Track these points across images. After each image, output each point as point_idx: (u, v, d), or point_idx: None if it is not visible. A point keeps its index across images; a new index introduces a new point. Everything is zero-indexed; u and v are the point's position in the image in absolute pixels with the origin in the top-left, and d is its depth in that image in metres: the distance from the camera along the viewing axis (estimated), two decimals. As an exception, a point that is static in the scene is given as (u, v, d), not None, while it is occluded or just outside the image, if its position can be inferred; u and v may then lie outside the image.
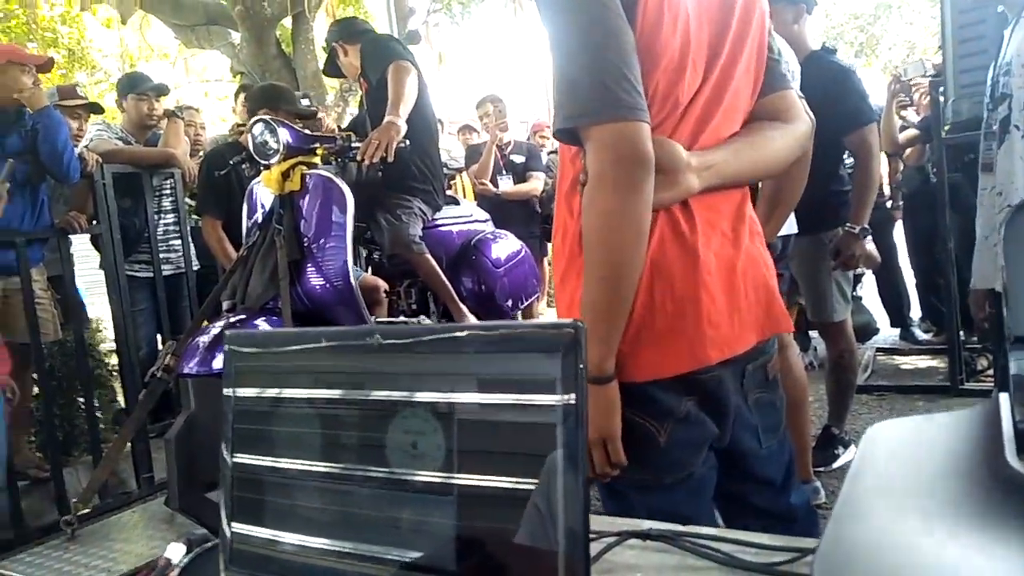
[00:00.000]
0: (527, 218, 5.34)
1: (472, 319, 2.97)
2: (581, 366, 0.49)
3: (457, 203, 3.42)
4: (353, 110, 6.77)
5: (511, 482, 0.52)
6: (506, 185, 5.29)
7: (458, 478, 0.54)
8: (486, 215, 3.60)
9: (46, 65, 3.35)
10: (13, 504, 3.08)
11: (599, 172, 1.00)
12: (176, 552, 0.77)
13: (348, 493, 0.60)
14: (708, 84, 1.12)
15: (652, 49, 1.04)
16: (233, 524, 0.68)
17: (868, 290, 5.51)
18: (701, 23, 1.10)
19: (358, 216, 2.82)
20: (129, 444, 3.22)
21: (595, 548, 0.69)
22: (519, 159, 5.38)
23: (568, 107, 1.03)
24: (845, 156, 3.11)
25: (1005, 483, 0.37)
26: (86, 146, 3.62)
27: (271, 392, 0.67)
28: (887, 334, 5.22)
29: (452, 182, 6.19)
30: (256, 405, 0.69)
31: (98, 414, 3.63)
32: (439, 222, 3.18)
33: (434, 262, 2.99)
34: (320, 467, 0.63)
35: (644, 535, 0.69)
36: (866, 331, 4.71)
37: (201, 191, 3.47)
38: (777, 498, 1.29)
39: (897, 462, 0.45)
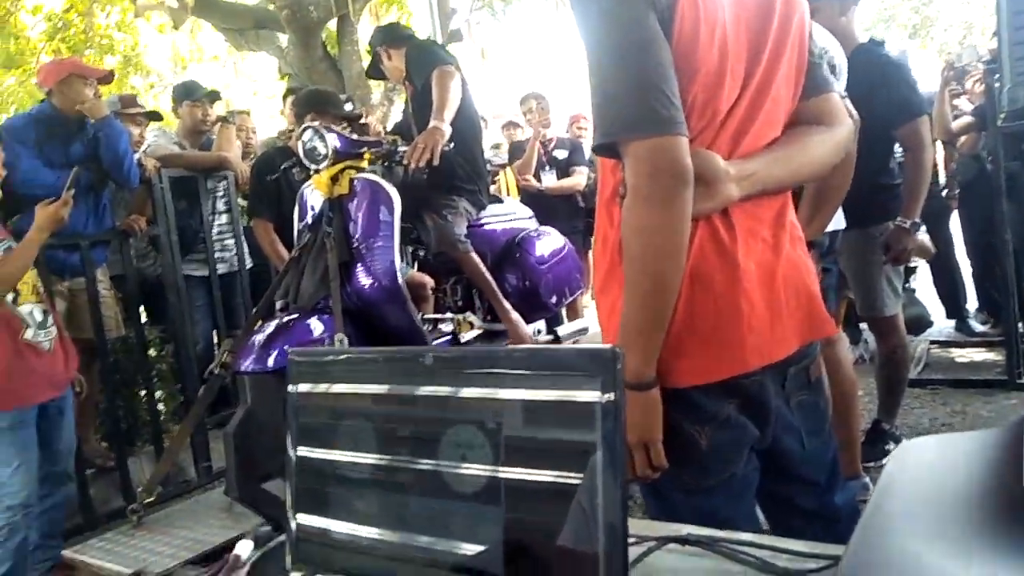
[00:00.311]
0: (570, 213, 5.35)
1: (516, 316, 3.01)
2: (617, 393, 0.52)
3: (501, 201, 3.46)
4: (398, 108, 6.86)
5: (554, 482, 0.56)
6: (549, 180, 5.32)
7: (504, 479, 0.58)
8: (530, 212, 3.63)
9: (107, 77, 3.49)
10: (82, 492, 3.24)
11: (637, 186, 1.02)
12: (245, 548, 0.83)
13: (403, 490, 0.65)
14: (747, 93, 1.13)
15: (690, 62, 1.06)
16: (298, 516, 0.73)
17: (923, 281, 5.39)
18: (739, 33, 1.11)
19: (405, 216, 2.88)
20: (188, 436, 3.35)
21: (635, 552, 0.73)
22: (562, 154, 5.40)
23: (606, 122, 1.06)
24: (896, 149, 3.06)
25: (1021, 510, 0.39)
26: (144, 151, 3.76)
27: (332, 402, 0.71)
28: (942, 326, 5.10)
29: (496, 178, 6.25)
30: (318, 410, 0.73)
31: (159, 406, 3.78)
32: (483, 221, 3.22)
33: (479, 260, 3.04)
34: (376, 463, 0.67)
35: (682, 540, 0.72)
36: (920, 323, 4.60)
37: (253, 195, 3.57)
38: (821, 498, 1.30)
39: (924, 482, 0.48)
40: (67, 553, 2.48)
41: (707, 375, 1.13)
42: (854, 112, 1.92)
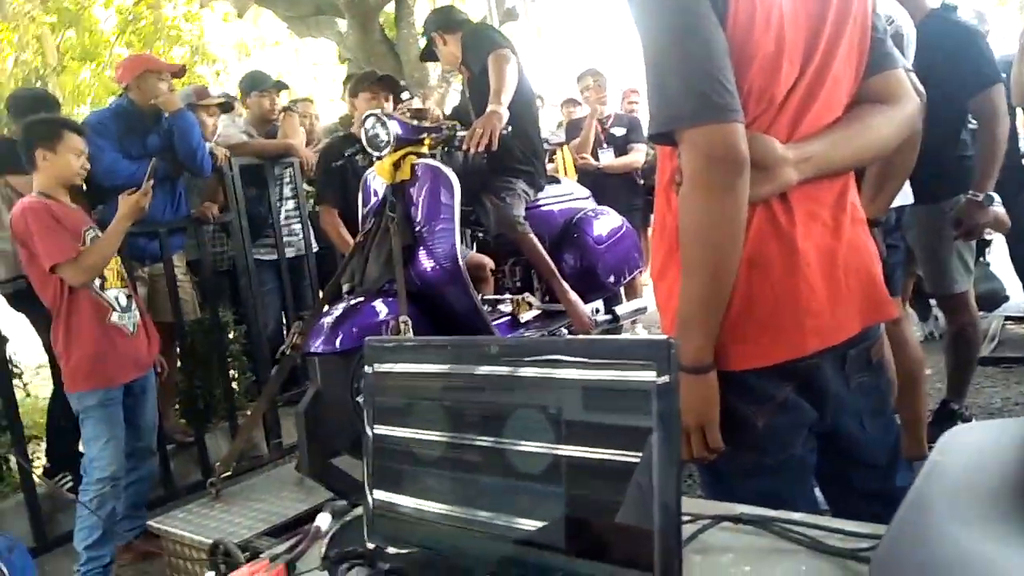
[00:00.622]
0: (628, 190, 5.32)
1: (574, 296, 3.04)
2: (672, 377, 0.56)
3: (558, 182, 3.48)
4: (456, 90, 6.90)
5: (612, 462, 0.60)
6: (607, 158, 5.29)
7: (566, 458, 0.63)
8: (587, 192, 3.64)
9: (179, 71, 3.63)
10: (163, 466, 3.43)
11: (694, 173, 1.04)
12: (324, 521, 0.89)
13: (471, 469, 0.70)
14: (806, 76, 1.12)
15: (745, 49, 1.06)
16: (375, 491, 0.78)
17: (998, 255, 5.18)
18: (797, 17, 1.11)
19: (464, 200, 2.93)
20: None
21: (689, 530, 0.76)
22: (620, 131, 5.36)
23: (662, 111, 1.07)
24: (970, 119, 2.96)
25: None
26: (215, 141, 3.90)
27: (406, 384, 0.77)
28: (1018, 301, 4.90)
29: (554, 157, 6.25)
30: (393, 391, 0.78)
31: (233, 385, 3.95)
32: (541, 202, 3.25)
33: (537, 241, 3.07)
34: (446, 443, 0.72)
35: (736, 519, 0.75)
36: (994, 299, 4.44)
37: (319, 182, 3.68)
38: (883, 480, 1.31)
39: (968, 467, 0.50)
40: (152, 523, 2.64)
41: (765, 359, 1.14)
42: (920, 87, 1.87)
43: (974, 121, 2.91)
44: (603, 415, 0.60)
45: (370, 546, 0.78)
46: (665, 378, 0.57)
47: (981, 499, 0.45)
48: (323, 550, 0.83)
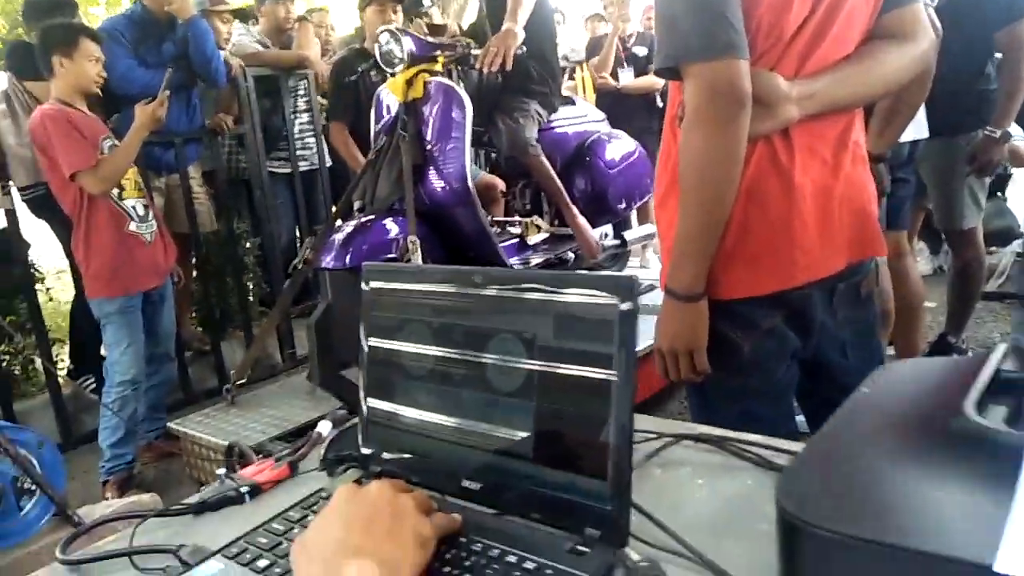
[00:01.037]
0: (647, 112, 5.24)
1: (582, 221, 3.07)
2: (633, 306, 0.61)
3: (573, 103, 3.44)
4: (474, 5, 6.72)
5: (577, 380, 0.66)
6: (627, 78, 5.20)
7: (538, 376, 0.69)
8: (601, 115, 3.61)
9: (195, -23, 3.57)
10: (182, 372, 3.57)
11: (696, 107, 1.07)
12: (325, 428, 0.97)
13: (455, 382, 0.76)
14: (817, 13, 1.13)
15: None
16: (368, 400, 0.86)
17: (1019, 191, 5.12)
18: None
19: (478, 119, 2.93)
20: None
21: (655, 446, 0.83)
22: (641, 51, 5.24)
23: (668, 46, 1.10)
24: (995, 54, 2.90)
25: (957, 431, 0.46)
26: (230, 50, 3.87)
27: (399, 302, 0.83)
28: (1032, 238, 4.88)
29: (573, 75, 6.14)
30: (387, 307, 0.84)
31: (248, 296, 4.06)
32: (554, 124, 3.24)
33: (548, 165, 3.07)
34: (434, 357, 0.78)
35: (695, 437, 0.81)
36: (1008, 235, 4.43)
37: (331, 98, 3.66)
38: None
39: (884, 401, 0.55)
40: (171, 425, 2.79)
41: (756, 289, 1.19)
42: (937, 23, 1.84)
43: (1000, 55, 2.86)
44: (571, 338, 0.65)
45: (364, 451, 0.85)
46: (628, 304, 0.62)
47: (891, 428, 0.51)
48: (322, 453, 0.91)
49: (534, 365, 0.68)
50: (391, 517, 0.59)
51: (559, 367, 0.67)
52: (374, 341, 0.84)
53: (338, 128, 3.57)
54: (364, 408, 0.85)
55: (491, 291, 0.72)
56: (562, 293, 0.66)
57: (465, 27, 3.93)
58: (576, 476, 0.65)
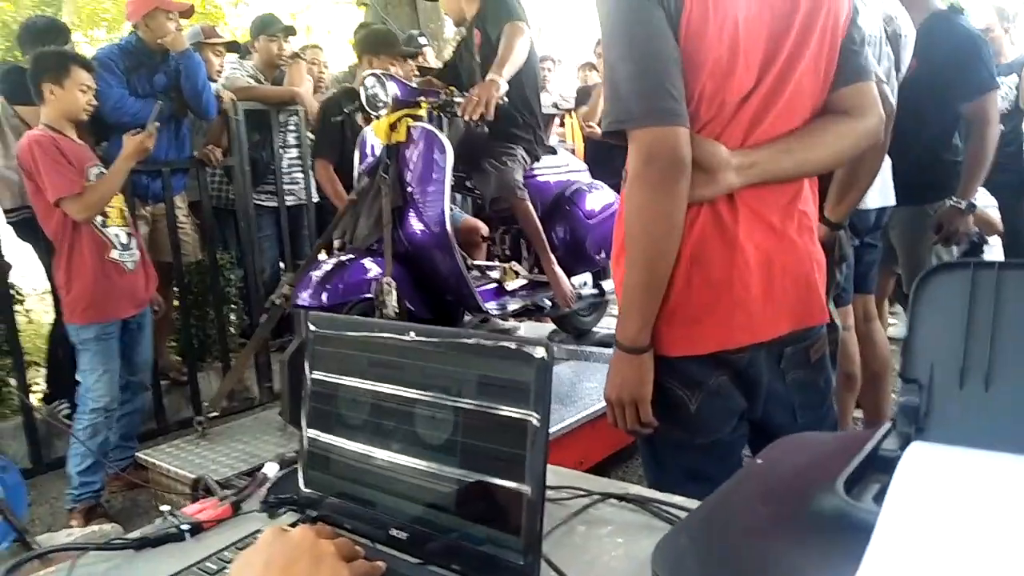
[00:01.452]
0: (633, 162, 5.35)
1: (559, 270, 3.12)
2: (545, 380, 0.65)
3: (555, 152, 3.52)
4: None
5: (496, 433, 0.70)
6: (614, 128, 5.30)
7: (461, 437, 0.73)
8: (582, 165, 3.69)
9: (188, 11, 3.66)
10: (156, 400, 3.57)
11: (636, 170, 1.13)
12: (271, 469, 1.00)
13: (389, 426, 0.80)
14: (764, 83, 1.18)
15: (697, 55, 1.13)
16: (309, 430, 0.89)
17: (994, 256, 5.22)
18: (755, 28, 1.16)
19: (463, 165, 3.00)
20: (252, 357, 3.63)
21: (582, 502, 0.86)
22: (629, 102, 5.36)
23: (613, 111, 1.15)
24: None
25: (822, 506, 0.50)
26: (222, 84, 3.95)
27: (341, 347, 0.87)
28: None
29: (564, 121, 6.27)
30: (330, 353, 0.88)
31: (228, 327, 4.07)
32: (536, 172, 3.30)
33: (532, 209, 3.13)
34: (371, 402, 0.82)
35: (620, 497, 0.85)
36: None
37: (318, 135, 3.74)
38: None
39: (772, 473, 0.59)
40: (140, 455, 2.78)
41: (697, 347, 1.23)
42: (892, 99, 1.92)
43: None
44: (490, 395, 0.69)
45: (303, 493, 0.88)
46: (540, 373, 0.66)
47: (769, 500, 0.54)
48: (264, 494, 0.94)
49: (457, 419, 0.72)
50: (310, 561, 0.62)
51: (478, 422, 0.71)
52: (317, 375, 0.88)
53: (323, 165, 3.64)
54: (304, 441, 0.88)
55: (422, 344, 0.76)
56: (485, 352, 0.70)
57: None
58: (492, 530, 0.69)
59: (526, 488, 0.66)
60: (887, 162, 2.54)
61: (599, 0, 1.18)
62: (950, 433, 0.59)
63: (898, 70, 2.52)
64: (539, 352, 0.67)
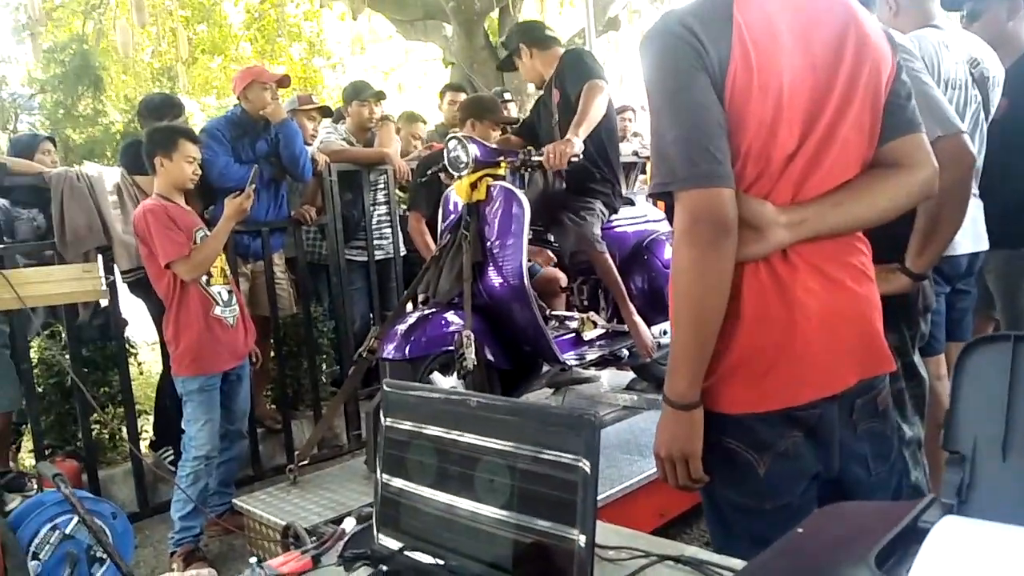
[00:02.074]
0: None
1: (639, 319, 3.13)
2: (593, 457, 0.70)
3: (633, 204, 3.56)
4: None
5: (548, 495, 0.74)
6: (695, 176, 5.30)
7: (518, 497, 0.78)
8: (661, 215, 3.70)
9: (284, 81, 3.94)
10: (252, 448, 3.75)
11: (683, 230, 1.17)
12: (349, 524, 1.07)
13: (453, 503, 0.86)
14: (810, 142, 1.21)
15: (742, 116, 1.18)
16: (384, 475, 0.96)
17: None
18: (798, 88, 1.20)
19: (543, 220, 3.08)
20: (342, 406, 3.78)
21: (640, 563, 0.89)
22: (710, 149, 5.35)
23: (660, 173, 1.21)
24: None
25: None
26: (317, 147, 4.21)
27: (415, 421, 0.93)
28: None
29: (645, 169, 6.29)
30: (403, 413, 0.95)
31: (320, 377, 4.25)
32: (615, 223, 3.35)
33: (611, 261, 3.16)
34: (438, 465, 0.88)
35: (676, 559, 0.87)
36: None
37: (412, 190, 3.93)
38: None
39: (811, 542, 0.61)
40: (236, 501, 2.93)
41: (762, 404, 1.24)
42: (972, 148, 1.88)
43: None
44: (542, 464, 0.74)
45: (378, 546, 0.94)
46: (587, 464, 0.71)
47: (804, 571, 0.56)
48: (341, 548, 1.01)
49: (513, 482, 0.77)
50: None
51: (531, 486, 0.75)
52: (391, 421, 0.95)
53: (416, 217, 3.83)
54: (379, 487, 0.95)
55: (483, 413, 0.82)
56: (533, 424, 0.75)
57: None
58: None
59: (576, 548, 0.70)
60: (978, 205, 2.47)
61: (645, 67, 1.23)
62: (992, 506, 0.60)
63: (987, 112, 2.46)
64: (587, 417, 0.71)
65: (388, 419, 0.97)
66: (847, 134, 1.23)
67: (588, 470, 0.70)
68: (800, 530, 0.64)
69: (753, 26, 1.16)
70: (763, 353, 1.22)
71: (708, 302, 1.17)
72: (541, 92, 3.45)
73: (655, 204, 4.35)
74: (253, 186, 3.19)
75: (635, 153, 6.02)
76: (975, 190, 2.33)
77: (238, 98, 3.89)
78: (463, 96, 5.23)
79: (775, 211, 1.19)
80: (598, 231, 3.14)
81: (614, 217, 3.35)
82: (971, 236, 2.47)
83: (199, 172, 3.13)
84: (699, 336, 1.19)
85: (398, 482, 0.94)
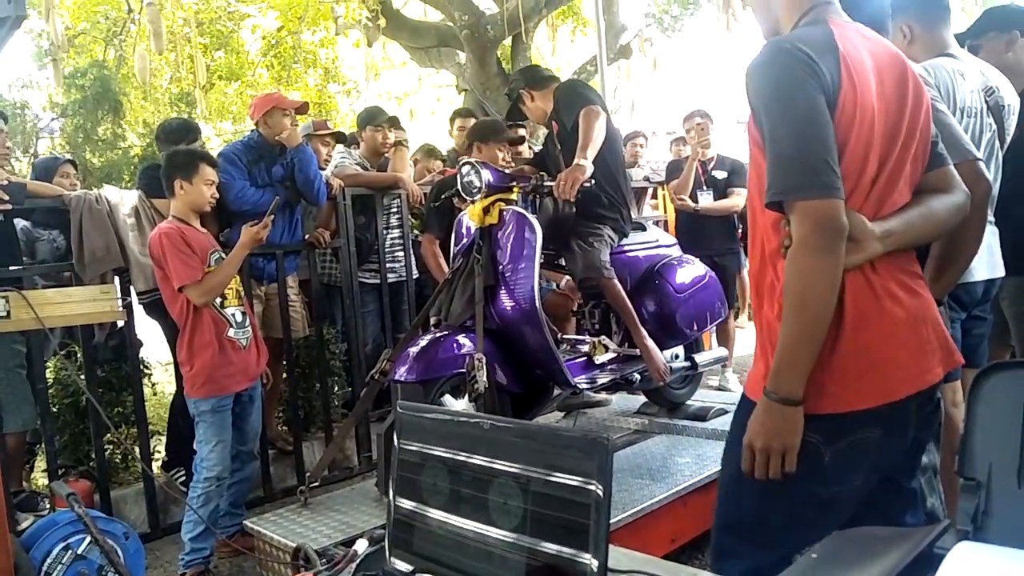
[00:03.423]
0: (726, 233, 5.34)
1: (651, 343, 3.13)
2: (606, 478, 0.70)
3: (644, 229, 3.57)
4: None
5: (563, 525, 0.74)
6: (706, 201, 5.33)
7: (530, 517, 0.78)
8: (672, 240, 3.71)
9: (302, 108, 3.99)
10: (264, 469, 3.75)
11: (802, 237, 1.26)
12: (361, 546, 1.07)
13: (469, 488, 0.86)
14: (886, 168, 1.36)
15: (846, 139, 1.30)
16: (396, 497, 0.97)
17: None
18: (880, 120, 1.34)
19: (552, 245, 3.10)
20: (353, 428, 3.79)
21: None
22: (721, 175, 5.38)
23: (778, 183, 1.29)
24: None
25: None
26: (332, 172, 4.25)
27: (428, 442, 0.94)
28: None
29: (656, 194, 6.32)
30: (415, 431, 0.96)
31: (331, 399, 4.25)
32: (626, 247, 3.36)
33: (620, 286, 3.17)
34: (451, 483, 0.88)
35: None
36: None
37: (428, 211, 3.98)
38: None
39: (824, 568, 0.61)
40: (247, 523, 2.92)
41: (863, 402, 1.32)
42: (987, 174, 1.89)
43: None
44: (554, 506, 0.75)
45: (389, 569, 0.95)
46: (599, 488, 0.72)
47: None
48: (353, 570, 1.01)
49: (525, 505, 0.78)
50: None
51: (544, 509, 0.76)
52: (404, 443, 0.96)
53: (429, 240, 3.87)
54: (391, 509, 0.96)
55: (494, 434, 0.82)
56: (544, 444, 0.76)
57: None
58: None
59: (588, 558, 0.71)
60: (994, 232, 2.46)
61: (762, 84, 1.32)
62: (1007, 533, 0.60)
63: (1003, 140, 2.47)
64: (600, 441, 0.72)
65: (401, 441, 0.97)
66: (910, 164, 1.40)
67: (601, 494, 0.70)
68: (814, 555, 0.64)
69: (854, 59, 1.31)
70: (864, 354, 1.32)
71: (822, 304, 1.27)
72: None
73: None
74: (272, 216, 3.23)
75: (646, 179, 6.05)
76: (990, 217, 2.33)
77: (256, 123, 3.95)
78: (473, 121, 5.29)
79: (872, 224, 1.32)
80: (606, 257, 3.15)
81: (625, 242, 3.36)
82: (987, 263, 2.46)
83: (217, 195, 3.17)
84: (814, 336, 1.28)
85: (410, 504, 0.94)
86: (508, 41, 8.20)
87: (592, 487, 0.72)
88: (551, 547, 0.75)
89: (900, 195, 1.39)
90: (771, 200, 1.31)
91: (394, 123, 4.57)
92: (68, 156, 5.70)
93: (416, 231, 4.55)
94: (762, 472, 1.33)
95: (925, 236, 1.45)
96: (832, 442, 1.32)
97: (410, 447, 0.96)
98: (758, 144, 1.37)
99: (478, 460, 0.84)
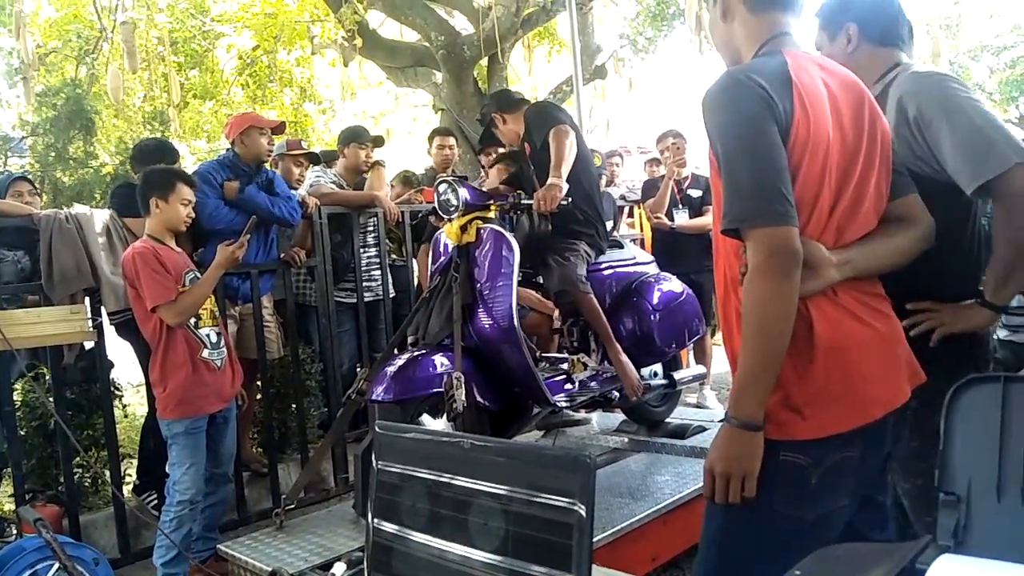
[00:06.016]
0: (701, 251, 5.37)
1: (626, 360, 3.13)
2: (588, 497, 0.70)
3: (621, 246, 3.59)
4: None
5: (547, 545, 0.73)
6: (682, 219, 5.37)
7: (511, 538, 0.77)
8: (649, 257, 3.73)
9: (279, 128, 3.98)
10: (238, 492, 3.68)
11: (758, 264, 1.28)
12: (339, 569, 1.05)
13: (449, 510, 0.85)
14: (844, 197, 1.38)
15: (798, 168, 1.32)
16: (375, 519, 0.95)
17: None
18: (835, 149, 1.36)
19: (530, 262, 3.10)
20: (330, 449, 3.73)
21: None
22: (696, 193, 5.44)
23: (734, 211, 1.31)
24: None
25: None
26: (308, 191, 4.23)
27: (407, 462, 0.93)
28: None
29: (633, 213, 6.37)
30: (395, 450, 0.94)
31: (308, 420, 4.20)
32: (602, 265, 3.37)
33: (596, 302, 3.18)
34: (429, 499, 0.87)
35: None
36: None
37: (428, 225, 4.04)
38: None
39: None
40: (221, 547, 2.87)
41: (841, 425, 1.32)
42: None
43: None
44: (537, 526, 0.74)
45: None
46: (582, 508, 0.71)
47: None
48: (332, 595, 0.99)
49: (507, 526, 0.77)
50: None
51: (526, 530, 0.75)
52: (383, 464, 0.94)
53: (424, 252, 3.92)
54: (370, 534, 0.94)
55: (475, 454, 0.81)
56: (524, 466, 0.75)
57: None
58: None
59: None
60: None
61: (717, 114, 1.34)
62: (987, 547, 0.60)
63: None
64: (582, 459, 0.71)
65: (380, 462, 0.96)
66: (872, 192, 1.42)
67: (584, 514, 0.70)
68: (797, 572, 0.63)
69: (808, 89, 1.33)
70: (839, 378, 1.33)
71: (779, 329, 1.28)
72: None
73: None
74: (248, 237, 3.20)
75: (622, 197, 6.10)
76: None
77: (232, 142, 3.92)
78: (451, 140, 5.30)
79: (828, 252, 1.34)
80: (583, 271, 3.16)
81: (602, 259, 3.37)
82: None
83: (193, 215, 3.13)
84: (772, 361, 1.29)
85: (390, 526, 0.93)
86: (485, 61, 8.24)
87: (575, 507, 0.71)
88: (534, 569, 0.75)
89: (864, 223, 1.41)
90: (726, 228, 1.33)
91: (378, 144, 4.57)
92: (20, 173, 5.61)
93: (392, 257, 4.55)
94: (722, 497, 1.33)
95: (886, 265, 1.46)
96: (819, 464, 1.33)
97: (389, 468, 0.95)
98: (718, 171, 1.39)
99: (459, 481, 0.83)
